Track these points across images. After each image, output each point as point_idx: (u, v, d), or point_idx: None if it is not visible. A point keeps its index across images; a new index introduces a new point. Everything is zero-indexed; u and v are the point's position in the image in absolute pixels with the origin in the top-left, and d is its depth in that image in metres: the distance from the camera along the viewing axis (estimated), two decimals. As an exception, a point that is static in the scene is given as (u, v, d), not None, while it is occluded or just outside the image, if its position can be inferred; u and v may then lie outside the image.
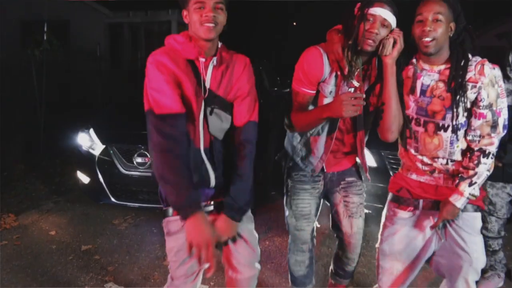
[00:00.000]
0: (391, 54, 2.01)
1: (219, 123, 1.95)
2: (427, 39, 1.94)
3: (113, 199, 4.24)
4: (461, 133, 2.05)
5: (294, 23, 24.09)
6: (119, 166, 4.19)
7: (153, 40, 16.65)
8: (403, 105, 2.12)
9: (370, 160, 3.81)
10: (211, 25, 1.82)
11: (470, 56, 2.01)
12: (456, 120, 2.01)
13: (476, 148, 2.04)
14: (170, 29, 15.13)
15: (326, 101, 2.20)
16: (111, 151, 4.24)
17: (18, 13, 12.06)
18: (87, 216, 4.57)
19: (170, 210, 1.97)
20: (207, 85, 1.91)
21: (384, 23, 2.02)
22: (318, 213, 2.48)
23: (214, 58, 1.92)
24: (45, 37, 6.87)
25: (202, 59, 1.89)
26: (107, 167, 4.23)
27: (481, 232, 3.27)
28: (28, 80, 7.21)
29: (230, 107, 1.98)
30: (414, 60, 2.12)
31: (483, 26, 16.93)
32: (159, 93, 1.80)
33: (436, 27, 1.93)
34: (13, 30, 12.05)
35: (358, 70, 2.13)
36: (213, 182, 1.98)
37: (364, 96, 2.00)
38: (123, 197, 4.23)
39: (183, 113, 1.82)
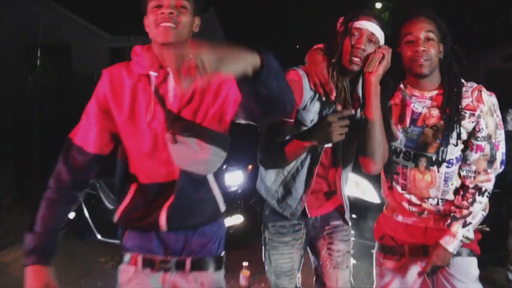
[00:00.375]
0: (376, 71, 1.76)
1: (190, 153, 1.54)
2: (423, 58, 1.76)
3: (98, 236, 4.04)
4: (456, 168, 1.84)
5: (297, 46, 24.12)
6: (105, 201, 4.00)
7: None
8: (391, 135, 1.88)
9: (374, 196, 3.54)
10: (169, 24, 1.49)
11: (463, 81, 1.84)
12: (451, 154, 1.80)
13: (471, 185, 1.83)
14: (171, 53, 15.06)
15: None
16: (98, 185, 4.05)
17: (20, 33, 12.01)
18: (72, 254, 4.27)
19: (127, 256, 1.67)
20: (170, 105, 1.55)
21: (372, 39, 1.80)
22: (301, 266, 2.13)
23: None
24: (38, 63, 6.71)
25: (153, 73, 1.55)
26: (94, 202, 4.04)
27: (508, 278, 3.00)
28: (25, 103, 7.07)
29: (209, 134, 1.56)
30: (401, 86, 1.90)
31: (487, 49, 16.88)
32: (85, 117, 1.62)
33: (429, 47, 1.76)
34: (13, 52, 12.00)
35: (344, 93, 1.87)
36: (164, 224, 1.57)
37: (353, 112, 1.80)
38: (109, 233, 3.96)
39: (92, 153, 1.59)
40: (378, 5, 22.82)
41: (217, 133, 1.58)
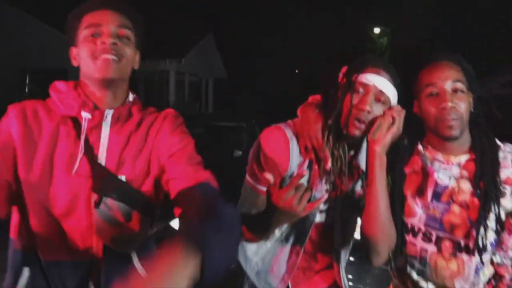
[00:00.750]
0: (382, 139, 1.38)
1: (118, 222, 1.23)
2: (452, 116, 1.37)
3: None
4: (489, 255, 1.44)
5: (297, 71, 24.10)
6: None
7: (152, 90, 16.53)
8: (407, 211, 1.48)
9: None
10: (110, 57, 1.21)
11: (498, 142, 1.47)
12: (485, 239, 1.40)
13: (507, 275, 1.45)
14: (168, 79, 14.94)
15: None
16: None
17: (18, 58, 11.88)
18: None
19: None
20: (101, 157, 1.23)
21: (380, 98, 1.41)
22: None
23: (109, 112, 1.26)
24: (26, 89, 6.50)
25: (85, 115, 1.23)
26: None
27: None
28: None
29: (143, 199, 1.27)
30: (420, 148, 1.50)
31: (486, 75, 16.77)
32: None
33: (459, 101, 1.38)
34: (13, 78, 11.85)
35: (341, 163, 1.49)
36: None
37: (302, 182, 1.34)
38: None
39: None
40: (377, 30, 22.87)
41: (151, 198, 1.29)
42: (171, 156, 1.27)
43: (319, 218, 1.58)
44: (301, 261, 1.61)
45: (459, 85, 1.39)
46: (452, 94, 1.38)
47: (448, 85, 1.39)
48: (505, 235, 1.41)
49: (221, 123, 5.93)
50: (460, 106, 1.37)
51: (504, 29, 15.17)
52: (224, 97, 18.24)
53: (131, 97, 1.34)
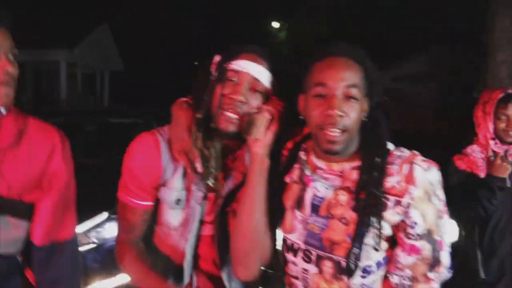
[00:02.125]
0: (262, 138, 1.29)
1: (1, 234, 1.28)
2: (335, 130, 1.18)
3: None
4: (378, 277, 1.25)
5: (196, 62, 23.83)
6: None
7: (41, 81, 15.38)
8: (286, 226, 1.33)
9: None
10: None
11: (390, 146, 1.26)
12: (368, 259, 1.21)
13: None
14: (59, 69, 13.89)
15: (172, 214, 1.42)
16: None
17: None
18: None
19: None
20: None
21: (256, 87, 1.33)
22: None
23: None
24: None
25: None
26: None
27: None
28: None
29: (23, 206, 1.33)
30: (302, 154, 1.33)
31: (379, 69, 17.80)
32: None
33: (349, 110, 1.18)
34: None
35: (214, 164, 1.39)
36: None
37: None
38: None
39: None
40: (276, 25, 23.08)
41: (29, 203, 1.35)
42: (56, 192, 1.35)
43: (206, 230, 1.45)
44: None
45: (354, 92, 1.19)
46: (344, 100, 1.18)
47: (340, 90, 1.18)
48: (398, 252, 1.22)
49: (115, 120, 5.47)
50: (350, 115, 1.18)
51: (397, 26, 16.14)
52: (121, 91, 17.44)
53: (2, 109, 1.28)
